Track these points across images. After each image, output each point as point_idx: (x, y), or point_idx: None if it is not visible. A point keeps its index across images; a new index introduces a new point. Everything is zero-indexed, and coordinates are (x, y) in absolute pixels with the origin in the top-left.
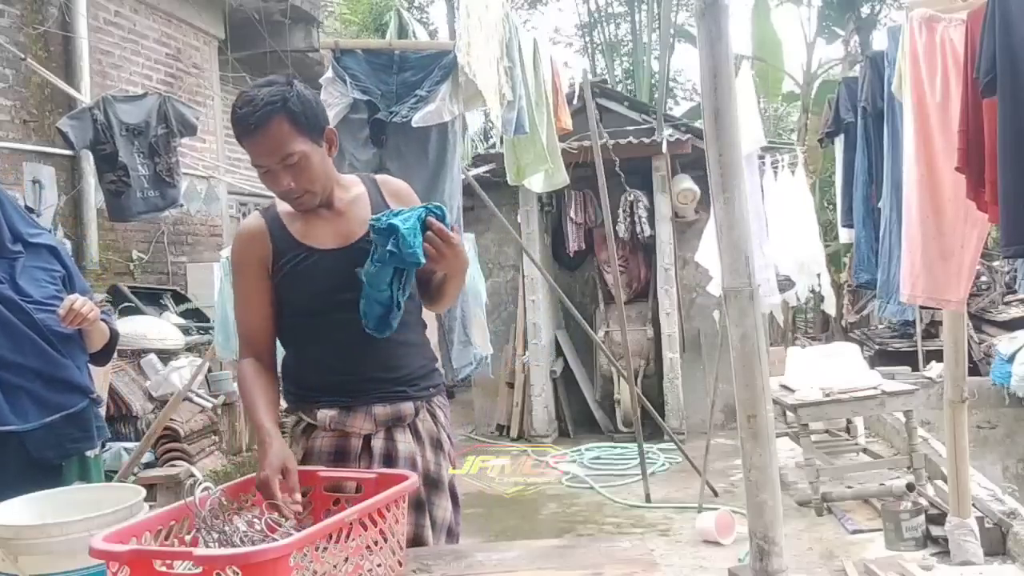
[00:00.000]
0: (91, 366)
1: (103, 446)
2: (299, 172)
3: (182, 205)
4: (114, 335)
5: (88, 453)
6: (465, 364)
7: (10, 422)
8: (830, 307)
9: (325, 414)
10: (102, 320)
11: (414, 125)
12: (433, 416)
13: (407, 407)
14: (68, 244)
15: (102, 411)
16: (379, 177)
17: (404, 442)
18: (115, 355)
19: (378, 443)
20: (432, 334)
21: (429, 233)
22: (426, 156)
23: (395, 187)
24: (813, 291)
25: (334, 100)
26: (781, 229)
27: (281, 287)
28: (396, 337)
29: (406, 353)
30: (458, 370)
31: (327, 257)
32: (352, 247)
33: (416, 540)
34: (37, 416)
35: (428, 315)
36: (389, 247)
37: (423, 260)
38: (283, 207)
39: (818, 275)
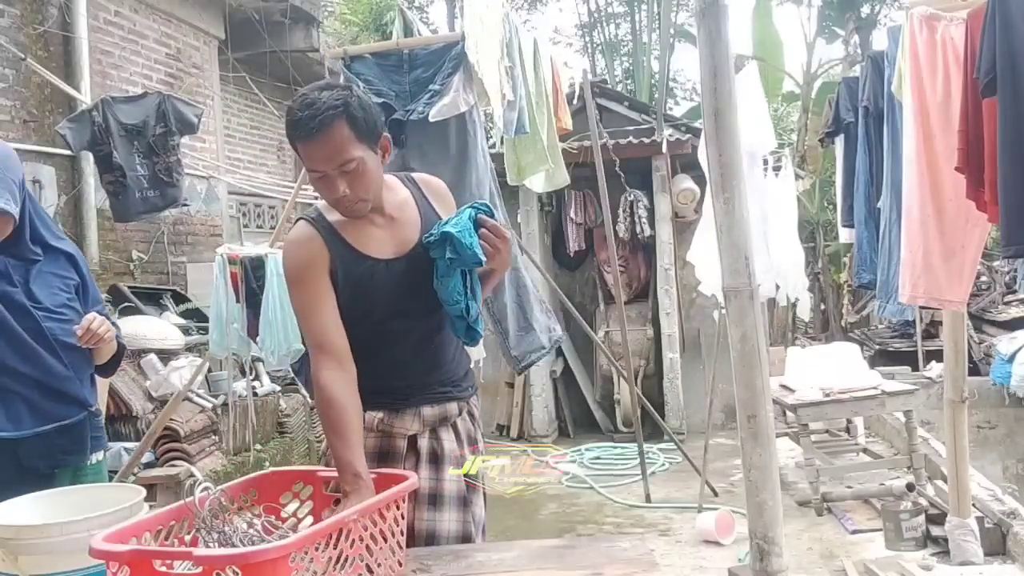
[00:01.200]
0: (96, 376)
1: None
2: (355, 179)
3: (186, 204)
4: (121, 348)
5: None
6: (529, 351)
7: (3, 428)
8: (804, 311)
9: (372, 416)
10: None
11: (431, 119)
12: (471, 415)
13: (452, 407)
14: None
15: (101, 419)
16: (417, 177)
17: (449, 440)
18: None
19: (424, 442)
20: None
21: (483, 230)
22: (448, 150)
23: (435, 187)
24: (789, 297)
25: None
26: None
27: (341, 298)
28: (444, 338)
29: (452, 355)
30: (521, 357)
31: (388, 267)
32: (410, 254)
33: (464, 537)
34: (31, 424)
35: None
36: (448, 255)
37: (483, 257)
38: (333, 216)
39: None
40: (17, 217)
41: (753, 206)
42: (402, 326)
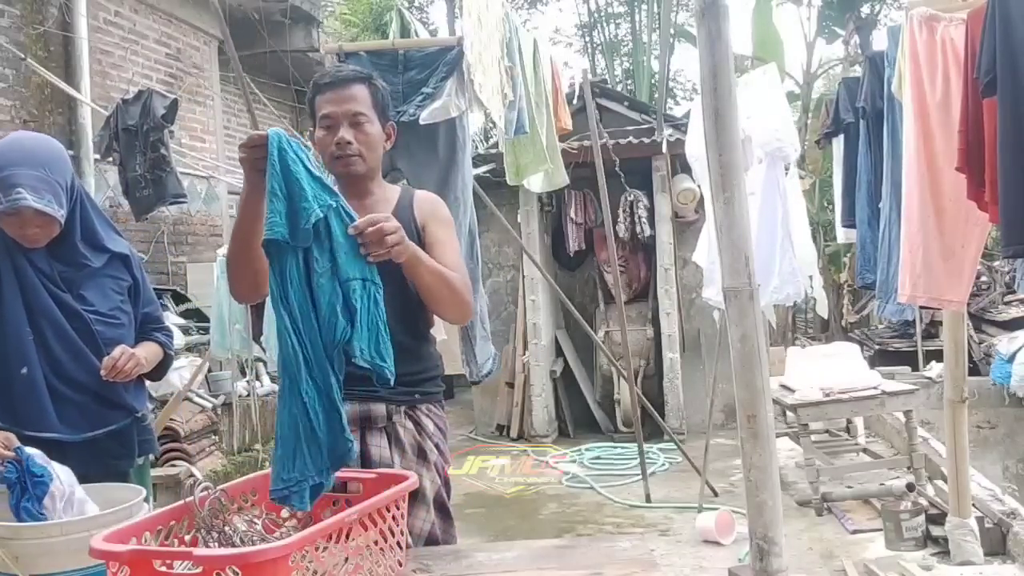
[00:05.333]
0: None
1: (154, 459)
2: (361, 133)
3: (181, 201)
4: (168, 357)
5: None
6: (486, 359)
7: (57, 430)
8: (822, 309)
9: None
10: (159, 342)
11: (422, 122)
12: (417, 424)
13: (378, 409)
14: None
15: (151, 423)
16: (419, 191)
17: (377, 446)
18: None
19: None
20: (453, 332)
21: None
22: (436, 153)
23: (424, 196)
24: (806, 294)
25: None
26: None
27: None
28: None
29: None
30: (482, 365)
31: None
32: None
33: None
34: (84, 429)
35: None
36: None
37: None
38: None
39: (810, 277)
40: (62, 220)
41: (777, 208)
42: None
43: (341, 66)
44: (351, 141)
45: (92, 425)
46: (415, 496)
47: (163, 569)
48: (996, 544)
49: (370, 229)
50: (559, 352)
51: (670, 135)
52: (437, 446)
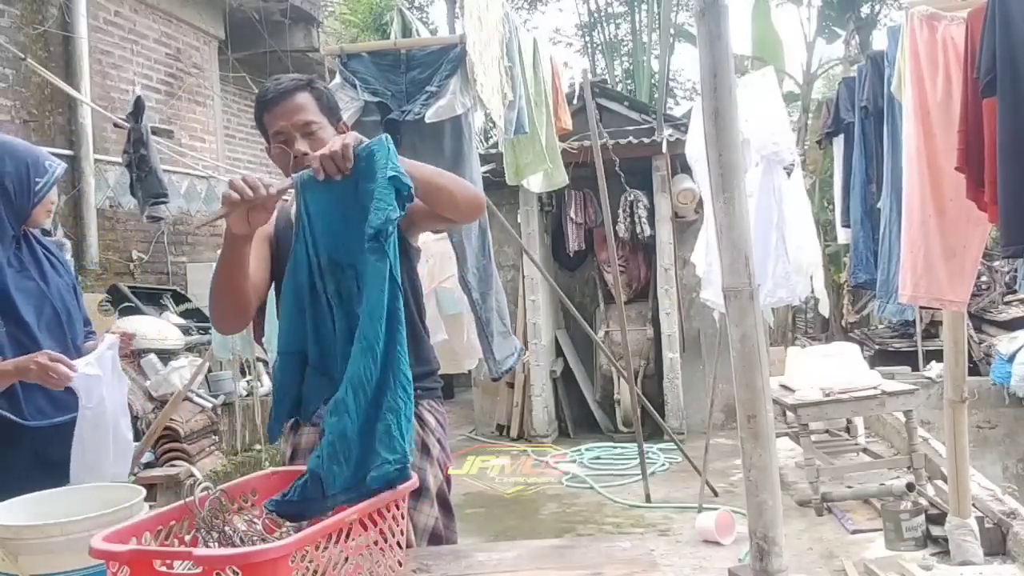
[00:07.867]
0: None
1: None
2: (316, 142)
3: (163, 200)
4: None
5: None
6: (508, 355)
7: (23, 415)
8: (824, 309)
9: None
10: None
11: (428, 121)
12: (419, 419)
13: None
14: (68, 244)
15: None
16: None
17: None
18: None
19: None
20: (454, 332)
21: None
22: (443, 151)
23: None
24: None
25: (345, 105)
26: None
27: (276, 263)
28: None
29: None
30: (501, 362)
31: None
32: None
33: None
34: (51, 414)
35: (467, 313)
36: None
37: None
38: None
39: (810, 277)
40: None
41: (772, 212)
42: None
43: (280, 77)
44: (308, 152)
45: (59, 411)
46: (419, 491)
47: (163, 569)
48: (996, 544)
49: (326, 163)
50: (559, 352)
51: (670, 135)
52: (439, 441)
